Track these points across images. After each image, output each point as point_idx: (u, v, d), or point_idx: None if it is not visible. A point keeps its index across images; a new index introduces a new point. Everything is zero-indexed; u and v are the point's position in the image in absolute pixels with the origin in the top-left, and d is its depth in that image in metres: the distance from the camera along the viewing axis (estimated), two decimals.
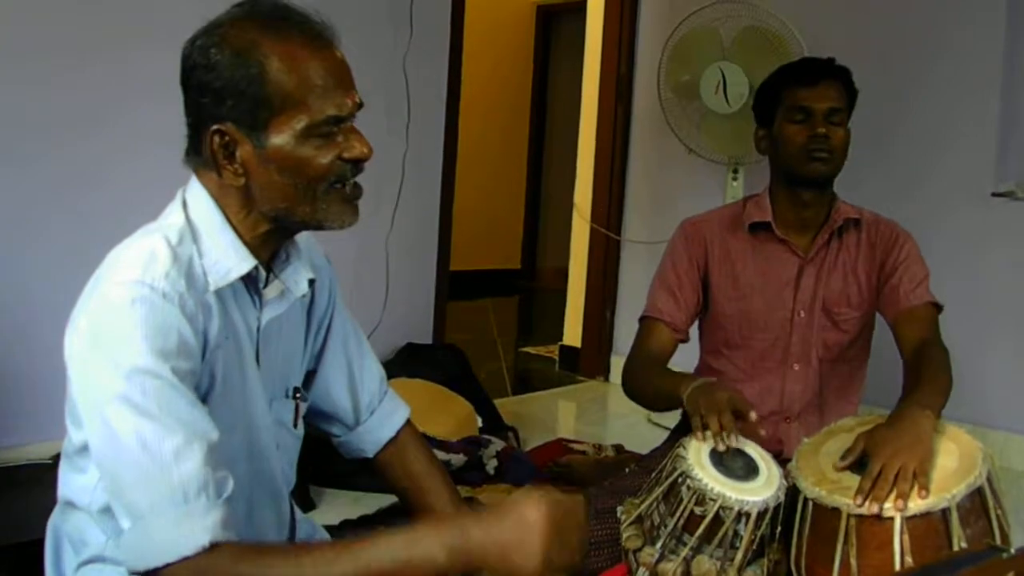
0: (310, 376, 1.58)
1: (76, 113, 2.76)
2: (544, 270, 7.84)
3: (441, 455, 2.76)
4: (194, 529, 1.14)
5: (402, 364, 3.48)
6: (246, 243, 1.31)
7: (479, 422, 3.18)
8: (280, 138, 1.25)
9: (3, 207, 2.65)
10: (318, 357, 1.58)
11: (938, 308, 2.14)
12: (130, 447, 1.14)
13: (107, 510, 1.26)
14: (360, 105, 1.30)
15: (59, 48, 2.72)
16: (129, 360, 1.16)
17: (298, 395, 1.52)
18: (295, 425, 1.52)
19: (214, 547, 1.14)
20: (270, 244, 1.36)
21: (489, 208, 7.26)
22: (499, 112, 7.46)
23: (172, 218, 1.31)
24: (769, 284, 2.22)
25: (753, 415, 1.76)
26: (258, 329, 1.38)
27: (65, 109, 2.74)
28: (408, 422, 1.68)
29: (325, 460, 1.95)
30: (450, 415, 3.09)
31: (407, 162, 3.63)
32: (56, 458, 1.38)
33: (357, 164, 1.30)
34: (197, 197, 1.32)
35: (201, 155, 1.30)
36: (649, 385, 2.12)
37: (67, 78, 2.74)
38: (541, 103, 7.87)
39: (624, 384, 2.23)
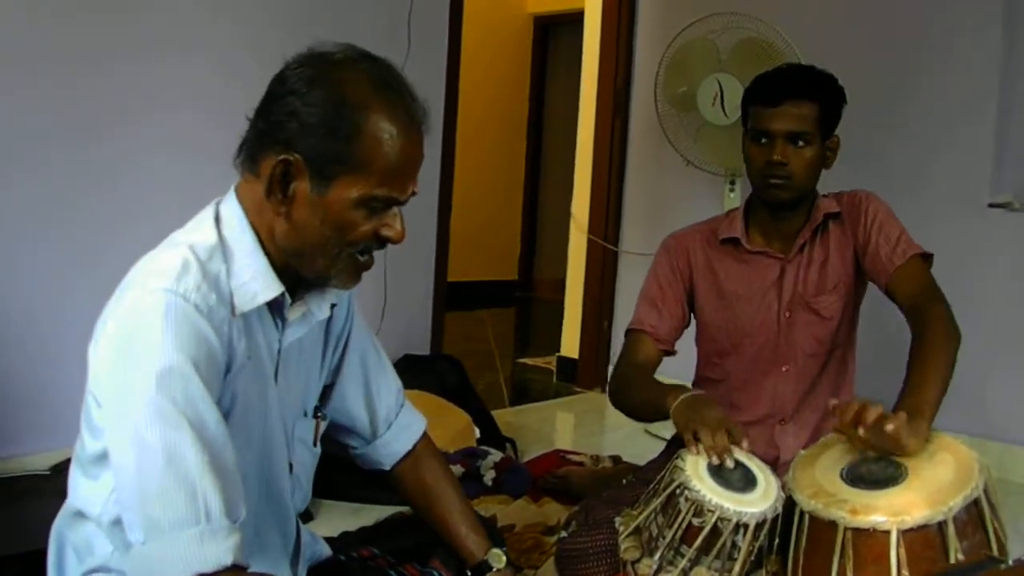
0: (327, 390, 1.59)
1: (83, 121, 2.77)
2: (541, 281, 7.84)
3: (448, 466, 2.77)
4: (218, 548, 1.14)
5: (400, 375, 3.46)
6: (275, 265, 1.31)
7: (477, 433, 3.18)
8: (339, 194, 1.26)
9: (6, 216, 2.65)
10: (335, 371, 1.59)
11: (926, 257, 2.09)
12: (156, 459, 1.13)
13: (119, 522, 1.24)
14: (415, 194, 1.33)
15: (67, 57, 2.73)
16: (160, 367, 1.15)
17: (319, 414, 1.53)
18: (315, 443, 1.53)
19: (233, 568, 1.15)
20: (292, 273, 1.36)
21: (487, 219, 7.26)
22: (497, 124, 7.47)
23: (203, 234, 1.30)
24: (753, 290, 2.22)
25: (745, 443, 1.75)
26: (279, 351, 1.38)
27: (72, 117, 2.75)
28: (424, 434, 1.69)
29: (324, 472, 1.95)
30: (448, 426, 3.09)
31: None
32: (55, 468, 1.38)
33: (386, 242, 1.33)
34: (232, 215, 1.31)
35: (256, 165, 1.30)
36: (635, 395, 2.10)
37: (75, 87, 2.75)
38: (538, 114, 7.88)
39: (611, 395, 2.22)
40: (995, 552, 1.52)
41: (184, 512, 1.13)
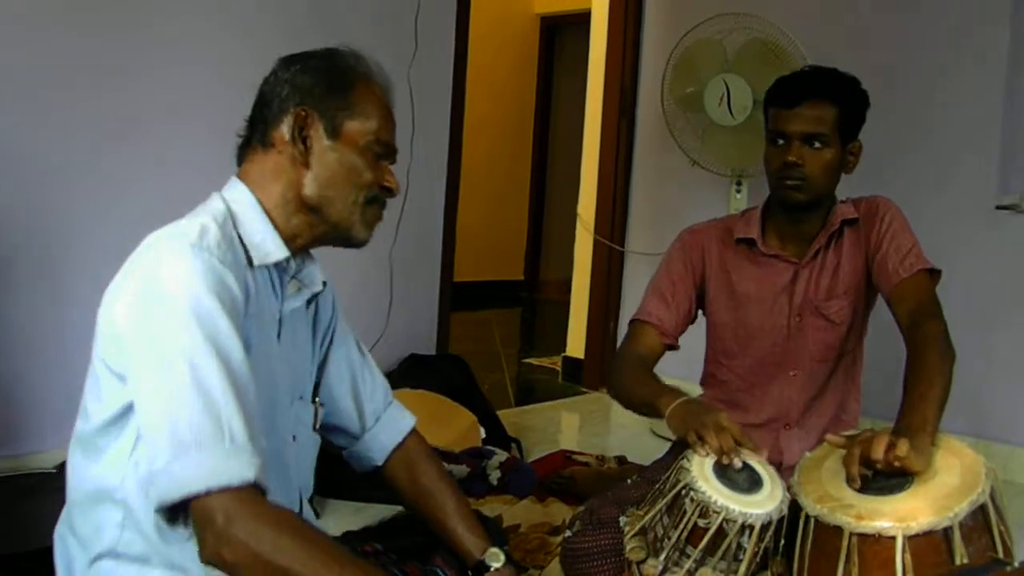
0: (315, 388, 1.61)
1: (101, 131, 2.78)
2: (547, 281, 7.84)
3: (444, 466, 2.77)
4: (242, 465, 1.18)
5: (405, 375, 3.49)
6: (280, 234, 1.41)
7: (482, 433, 3.19)
8: (349, 137, 1.43)
9: (9, 217, 2.66)
10: (321, 368, 1.63)
11: (933, 273, 2.06)
12: (184, 386, 1.18)
13: (143, 480, 1.25)
14: (395, 161, 1.52)
15: (86, 67, 2.74)
16: (187, 302, 1.22)
17: (316, 399, 1.58)
18: (314, 427, 1.57)
19: (255, 487, 1.18)
20: (298, 240, 1.45)
21: (493, 219, 7.27)
22: (503, 124, 7.47)
23: (213, 204, 1.40)
24: (765, 293, 2.21)
25: (764, 454, 1.75)
26: (280, 320, 1.45)
27: (89, 127, 2.76)
28: (414, 431, 1.73)
29: (329, 471, 1.96)
30: (453, 426, 3.10)
31: (411, 174, 3.63)
32: (62, 466, 1.38)
33: (387, 194, 1.49)
34: (238, 193, 1.42)
35: (267, 137, 1.43)
36: (632, 388, 2.09)
37: (93, 97, 2.76)
38: (545, 114, 7.89)
39: (607, 383, 2.22)
40: (1000, 555, 1.51)
41: (211, 433, 1.17)
